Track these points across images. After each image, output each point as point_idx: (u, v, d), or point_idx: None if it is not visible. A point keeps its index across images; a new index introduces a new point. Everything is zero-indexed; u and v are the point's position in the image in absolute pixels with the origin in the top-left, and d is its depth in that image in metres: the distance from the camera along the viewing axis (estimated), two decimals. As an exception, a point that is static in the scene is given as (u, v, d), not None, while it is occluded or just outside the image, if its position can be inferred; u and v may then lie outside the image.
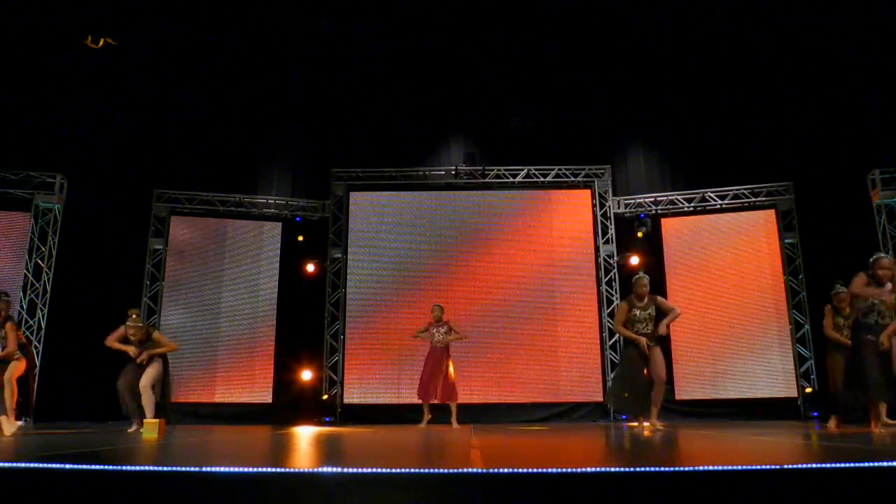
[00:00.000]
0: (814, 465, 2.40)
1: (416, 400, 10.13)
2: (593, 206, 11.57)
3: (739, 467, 2.36)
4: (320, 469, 2.55)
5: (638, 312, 6.81)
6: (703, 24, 10.65)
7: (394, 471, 2.45)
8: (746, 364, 10.67)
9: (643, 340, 6.65)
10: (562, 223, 11.55)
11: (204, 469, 2.50)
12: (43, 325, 10.33)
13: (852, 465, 2.38)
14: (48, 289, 10.46)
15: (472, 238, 11.52)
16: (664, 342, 10.93)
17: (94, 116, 10.94)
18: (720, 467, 2.35)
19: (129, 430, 6.83)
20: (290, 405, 10.84)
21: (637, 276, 6.92)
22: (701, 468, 2.36)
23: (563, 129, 11.89)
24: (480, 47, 11.37)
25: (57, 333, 10.30)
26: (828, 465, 2.40)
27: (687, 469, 2.37)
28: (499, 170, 11.73)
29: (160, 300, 11.05)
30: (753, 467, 2.36)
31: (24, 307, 10.31)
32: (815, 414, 9.62)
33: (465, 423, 8.97)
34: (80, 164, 10.81)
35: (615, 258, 11.34)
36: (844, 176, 10.42)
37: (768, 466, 2.38)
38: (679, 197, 11.53)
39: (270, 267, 11.51)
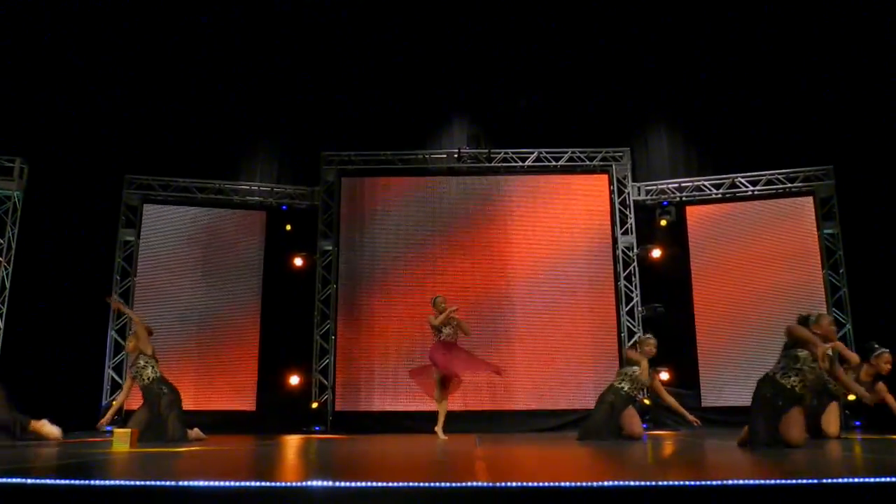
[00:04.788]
0: (856, 480, 2.41)
1: (415, 407, 10.17)
2: (611, 192, 11.55)
3: (768, 482, 2.37)
4: (309, 483, 2.56)
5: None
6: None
7: (390, 485, 2.46)
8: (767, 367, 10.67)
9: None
10: (576, 212, 11.54)
11: (181, 483, 2.51)
12: (1, 326, 10.34)
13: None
14: (7, 285, 10.45)
15: (476, 228, 11.51)
16: (690, 345, 10.98)
17: (58, 94, 10.90)
18: (748, 482, 2.36)
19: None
20: (275, 413, 10.87)
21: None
22: (728, 482, 2.37)
23: (577, 107, 11.84)
24: (485, 18, 11.33)
25: (16, 334, 10.30)
26: (871, 480, 2.40)
27: (712, 483, 2.38)
28: (506, 153, 11.71)
29: (132, 297, 11.06)
30: (785, 482, 2.37)
31: (-19, 305, 10.32)
32: (858, 424, 9.63)
33: (470, 433, 9.00)
34: (42, 147, 10.77)
35: (635, 250, 11.33)
36: (891, 159, 10.37)
37: (802, 481, 2.39)
38: (706, 182, 11.50)
39: (254, 260, 11.51)
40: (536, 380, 10.97)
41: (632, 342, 7.73)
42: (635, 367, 7.45)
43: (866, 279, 10.47)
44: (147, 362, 7.54)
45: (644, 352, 7.52)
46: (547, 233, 11.45)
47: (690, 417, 7.47)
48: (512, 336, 11.10)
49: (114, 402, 7.57)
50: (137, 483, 2.55)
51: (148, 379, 7.50)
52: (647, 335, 7.81)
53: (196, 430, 7.71)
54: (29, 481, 2.52)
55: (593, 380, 10.92)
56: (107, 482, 2.58)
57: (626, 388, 7.47)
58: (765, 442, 5.13)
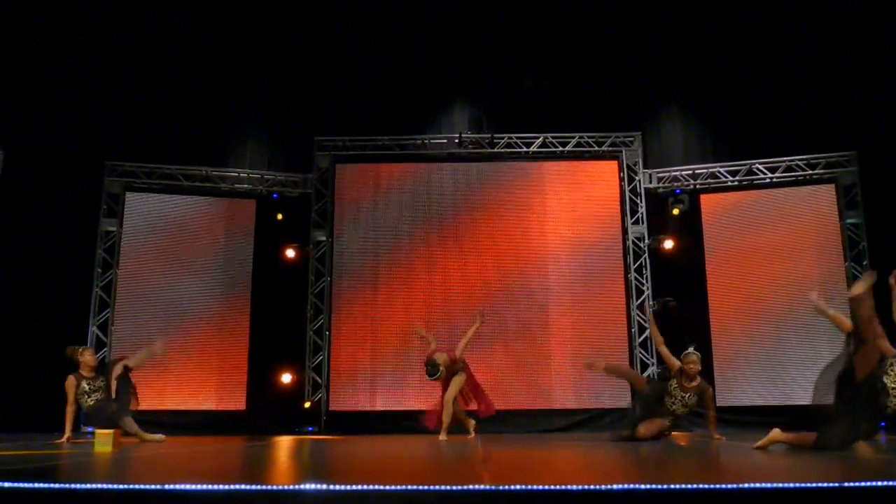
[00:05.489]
0: (877, 484, 2.42)
1: (413, 406, 10.21)
2: (620, 179, 11.53)
3: (785, 485, 2.37)
4: (302, 486, 2.57)
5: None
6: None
7: (388, 488, 2.47)
8: (799, 365, 10.67)
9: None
10: (583, 200, 11.53)
11: (167, 487, 2.52)
12: (-25, 321, 10.32)
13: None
14: (-18, 278, 10.46)
15: (477, 218, 11.50)
16: (704, 341, 10.96)
17: (34, 76, 10.86)
18: (765, 485, 2.37)
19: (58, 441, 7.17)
20: (266, 413, 10.89)
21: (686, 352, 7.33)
22: (744, 486, 2.38)
23: (585, 89, 11.81)
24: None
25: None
26: (891, 483, 2.41)
27: (725, 487, 2.39)
28: (510, 137, 11.68)
29: (114, 291, 11.06)
30: (802, 485, 2.38)
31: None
32: (882, 424, 9.63)
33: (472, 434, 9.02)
34: (18, 132, 10.74)
35: (646, 241, 11.32)
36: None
37: (820, 484, 2.40)
38: (721, 169, 11.48)
39: (243, 251, 11.50)
40: (541, 378, 10.98)
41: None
42: (672, 382, 7.21)
43: (892, 271, 10.43)
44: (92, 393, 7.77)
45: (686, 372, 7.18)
46: (552, 223, 11.44)
47: (716, 436, 7.38)
48: (515, 331, 11.09)
49: (67, 416, 7.66)
50: (121, 487, 2.56)
51: (87, 405, 7.80)
52: (688, 351, 7.31)
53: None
54: (6, 485, 2.53)
55: (601, 378, 10.94)
56: (89, 485, 2.59)
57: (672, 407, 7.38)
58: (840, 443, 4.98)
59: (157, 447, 6.63)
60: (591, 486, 2.41)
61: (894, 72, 10.45)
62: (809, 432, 5.15)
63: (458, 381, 8.34)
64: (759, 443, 5.29)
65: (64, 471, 3.79)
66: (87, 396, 7.78)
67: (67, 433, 7.43)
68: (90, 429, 8.84)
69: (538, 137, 11.66)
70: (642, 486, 2.39)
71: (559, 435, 9.97)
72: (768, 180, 11.37)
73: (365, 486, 2.48)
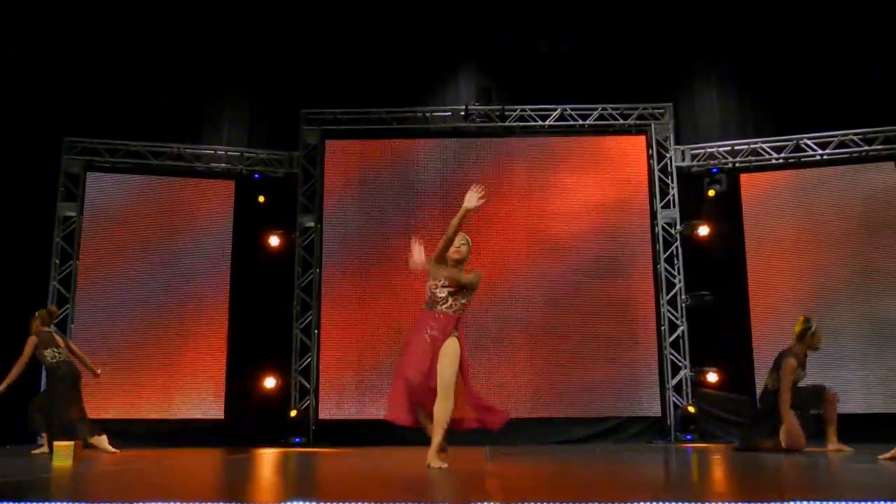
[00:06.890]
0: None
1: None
2: (649, 157, 11.52)
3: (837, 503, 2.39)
4: (287, 504, 2.59)
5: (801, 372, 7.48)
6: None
7: (383, 507, 2.49)
8: (852, 367, 10.66)
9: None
10: (606, 181, 11.51)
11: (135, 504, 2.54)
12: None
13: None
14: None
15: (485, 201, 11.45)
16: (743, 340, 10.95)
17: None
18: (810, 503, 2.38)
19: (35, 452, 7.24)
20: (248, 422, 10.92)
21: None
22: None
23: (609, 54, 11.78)
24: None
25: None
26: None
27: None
28: (523, 110, 11.67)
29: (73, 284, 11.09)
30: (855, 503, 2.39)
31: None
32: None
33: (480, 445, 9.05)
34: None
35: (678, 227, 11.31)
36: None
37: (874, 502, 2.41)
38: (764, 145, 11.45)
39: (220, 239, 11.51)
40: (557, 382, 10.99)
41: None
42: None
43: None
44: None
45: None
46: (571, 206, 11.42)
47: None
48: (528, 329, 11.11)
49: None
50: (84, 504, 2.58)
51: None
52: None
53: (104, 436, 7.79)
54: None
55: (628, 382, 10.96)
56: None
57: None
58: None
59: (125, 461, 6.67)
60: (614, 505, 2.43)
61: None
62: None
63: (453, 353, 5.50)
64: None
65: (19, 488, 3.82)
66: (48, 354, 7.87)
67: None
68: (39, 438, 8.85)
69: (555, 109, 11.64)
70: (671, 505, 2.40)
71: (578, 446, 10.00)
72: (818, 157, 11.33)
73: (358, 505, 2.50)
